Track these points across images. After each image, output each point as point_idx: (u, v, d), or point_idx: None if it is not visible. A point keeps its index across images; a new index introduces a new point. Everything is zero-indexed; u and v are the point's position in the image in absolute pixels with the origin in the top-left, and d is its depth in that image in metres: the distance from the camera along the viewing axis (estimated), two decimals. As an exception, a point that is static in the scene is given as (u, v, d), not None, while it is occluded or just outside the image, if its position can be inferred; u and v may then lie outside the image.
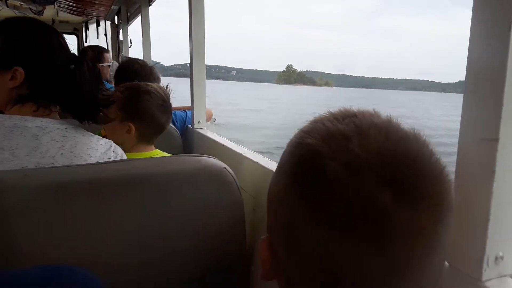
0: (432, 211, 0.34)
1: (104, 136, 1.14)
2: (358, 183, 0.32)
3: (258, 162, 1.04)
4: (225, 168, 0.91)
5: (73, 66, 0.95)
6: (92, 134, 1.00)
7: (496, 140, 0.44)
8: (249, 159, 1.09)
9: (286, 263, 0.39)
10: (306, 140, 0.37)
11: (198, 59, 1.67)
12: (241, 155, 1.14)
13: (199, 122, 1.68)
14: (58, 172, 0.80)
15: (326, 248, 0.34)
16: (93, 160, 0.94)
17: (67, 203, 0.76)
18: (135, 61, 1.75)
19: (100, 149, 0.97)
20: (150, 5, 2.95)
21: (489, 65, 0.46)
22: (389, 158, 0.33)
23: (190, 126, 1.75)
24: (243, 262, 0.95)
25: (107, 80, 2.71)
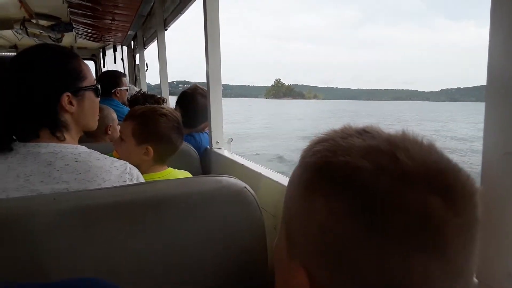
0: (473, 216, 0.36)
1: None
2: (413, 194, 0.34)
3: (278, 180, 1.05)
4: (245, 187, 0.92)
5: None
6: (106, 156, 1.01)
7: (522, 154, 0.44)
8: (267, 177, 1.09)
9: (335, 286, 0.38)
10: (340, 159, 0.37)
11: (214, 81, 1.70)
12: (259, 174, 1.15)
13: (216, 142, 1.70)
14: (83, 196, 0.81)
15: (386, 261, 0.34)
16: (107, 183, 0.94)
17: (92, 227, 0.77)
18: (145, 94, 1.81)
19: (115, 172, 0.97)
20: (166, 29, 3.03)
21: (511, 76, 0.45)
22: (435, 168, 0.36)
23: (208, 147, 1.77)
24: (266, 282, 0.94)
25: (124, 103, 2.78)
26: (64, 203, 0.77)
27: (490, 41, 0.48)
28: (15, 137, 0.95)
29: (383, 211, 0.34)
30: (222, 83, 1.75)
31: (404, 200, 0.34)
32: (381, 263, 0.34)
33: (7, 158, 0.87)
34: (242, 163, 1.33)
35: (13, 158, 0.87)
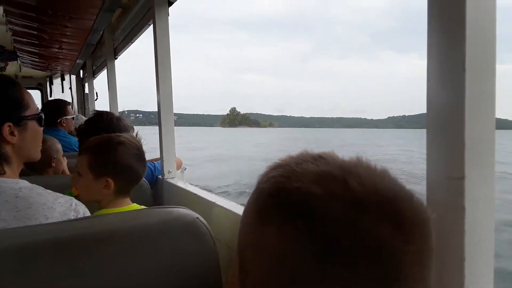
0: (427, 244, 0.36)
1: (76, 196, 1.09)
2: (364, 221, 0.33)
3: (231, 209, 1.03)
4: (197, 218, 0.89)
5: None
6: (50, 192, 0.95)
7: (462, 178, 0.46)
8: (221, 207, 1.07)
9: None
10: (293, 184, 0.37)
11: (166, 110, 1.68)
12: (213, 203, 1.13)
13: (169, 172, 1.65)
14: (19, 234, 0.75)
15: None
16: (51, 221, 0.88)
17: (30, 265, 0.72)
18: (102, 113, 1.73)
19: (59, 208, 0.92)
20: (116, 58, 2.97)
21: (447, 105, 0.47)
22: (386, 195, 0.35)
23: (160, 176, 1.72)
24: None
25: (70, 133, 2.66)
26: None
27: (427, 72, 0.51)
28: None
29: (332, 239, 0.33)
30: (175, 112, 1.73)
31: (354, 228, 0.33)
32: None
33: None
34: (195, 192, 1.30)
35: None
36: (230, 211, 1.03)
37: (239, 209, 1.02)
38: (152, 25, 1.71)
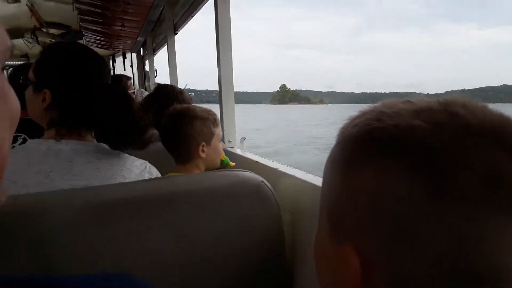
0: None
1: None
2: (478, 150, 0.30)
3: (295, 175, 1.03)
4: (262, 181, 0.90)
5: (103, 92, 0.96)
6: (127, 155, 1.00)
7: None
8: (284, 173, 1.08)
9: (391, 263, 0.33)
10: (388, 122, 0.34)
11: (226, 82, 1.72)
12: (275, 170, 1.13)
13: (229, 141, 1.69)
14: (97, 192, 0.80)
15: (451, 225, 0.29)
16: (128, 181, 0.93)
17: (107, 222, 0.76)
18: (165, 86, 1.79)
19: (135, 170, 0.97)
20: (176, 33, 3.03)
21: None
22: (499, 123, 0.32)
23: (220, 145, 1.76)
24: (284, 278, 0.92)
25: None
26: (79, 199, 0.76)
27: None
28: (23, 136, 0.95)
29: (444, 168, 0.30)
30: (216, 89, 1.77)
31: (466, 156, 0.30)
32: (445, 228, 0.30)
33: (27, 155, 0.87)
34: (256, 159, 1.32)
35: (34, 154, 0.87)
36: (293, 177, 1.03)
37: (302, 175, 1.02)
38: (211, -3, 1.72)
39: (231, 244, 0.86)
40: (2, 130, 0.30)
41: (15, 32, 3.57)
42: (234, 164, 1.38)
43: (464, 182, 0.29)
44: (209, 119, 1.26)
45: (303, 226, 0.96)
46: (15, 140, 1.38)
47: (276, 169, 1.13)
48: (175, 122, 1.25)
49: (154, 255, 0.78)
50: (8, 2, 2.68)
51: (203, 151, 1.24)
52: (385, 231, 0.33)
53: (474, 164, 0.30)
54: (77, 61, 0.96)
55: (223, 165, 1.35)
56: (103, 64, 1.01)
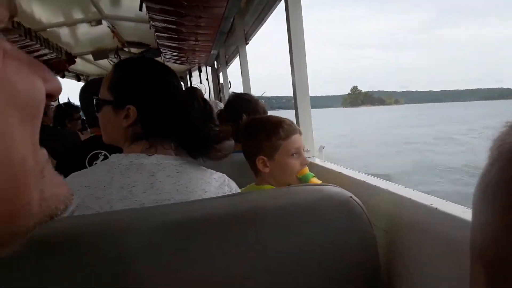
0: None
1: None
2: None
3: (387, 189, 0.89)
4: (351, 197, 0.79)
5: (183, 104, 0.94)
6: (205, 168, 0.97)
7: None
8: (375, 186, 0.95)
9: None
10: None
11: (301, 90, 1.65)
12: (363, 182, 1.00)
13: (306, 150, 1.58)
14: (175, 210, 0.78)
15: None
16: (208, 195, 0.90)
17: (185, 240, 0.73)
18: (241, 95, 1.75)
19: (214, 183, 0.94)
20: (247, 43, 3.03)
21: None
22: None
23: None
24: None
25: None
26: (161, 217, 0.75)
27: None
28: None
29: None
30: (285, 95, 1.68)
31: None
32: None
33: (110, 170, 0.87)
34: (339, 170, 1.19)
35: (116, 169, 0.87)
36: (385, 190, 0.90)
37: (396, 189, 0.88)
38: (282, 1, 1.66)
39: (317, 267, 0.77)
40: (6, 124, 0.23)
41: (101, 54, 3.84)
42: (319, 181, 1.19)
43: None
44: (273, 132, 1.17)
45: (401, 248, 0.83)
46: (96, 157, 1.41)
47: (364, 182, 1.00)
48: (242, 135, 1.22)
49: (233, 273, 0.73)
50: (91, 25, 2.87)
51: (266, 165, 1.16)
52: None
53: None
54: (153, 73, 0.96)
55: (302, 182, 1.22)
56: (174, 75, 1.00)
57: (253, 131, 1.19)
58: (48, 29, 3.01)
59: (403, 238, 0.82)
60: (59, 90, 0.29)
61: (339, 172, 1.18)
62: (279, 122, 1.19)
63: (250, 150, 1.20)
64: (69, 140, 2.58)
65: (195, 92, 0.97)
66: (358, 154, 14.07)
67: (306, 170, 1.18)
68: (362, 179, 1.02)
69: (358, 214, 0.78)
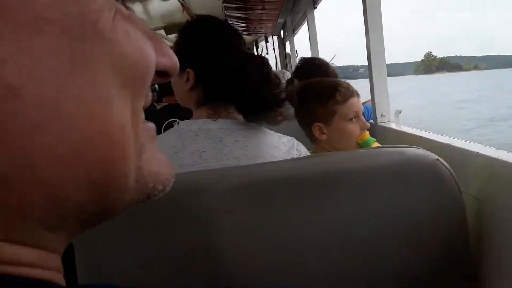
0: None
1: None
2: None
3: (479, 152, 0.81)
4: (438, 160, 0.73)
5: (242, 65, 0.91)
6: (273, 132, 0.95)
7: None
8: (463, 149, 0.86)
9: None
10: None
11: (376, 54, 1.56)
12: (449, 145, 0.92)
13: (382, 115, 1.50)
14: (250, 172, 0.77)
15: None
16: (277, 159, 0.89)
17: (262, 202, 0.72)
18: (311, 59, 1.70)
19: (283, 148, 0.92)
20: (315, 8, 2.92)
21: None
22: None
23: (371, 121, 1.59)
24: (468, 276, 0.74)
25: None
26: (233, 178, 0.74)
27: None
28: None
29: None
30: (353, 64, 1.60)
31: None
32: None
33: (180, 136, 0.89)
34: (420, 134, 1.11)
35: (186, 135, 0.88)
36: (477, 154, 0.82)
37: (489, 151, 0.80)
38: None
39: (398, 234, 0.72)
40: (103, 85, 0.22)
41: (172, 28, 3.94)
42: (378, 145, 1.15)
43: None
44: (329, 96, 1.10)
45: (495, 217, 0.75)
46: (171, 126, 1.47)
47: (450, 145, 0.92)
48: (294, 101, 1.15)
49: (309, 236, 0.72)
50: (162, 0, 2.94)
51: (323, 133, 1.10)
52: None
53: None
54: (212, 35, 0.94)
55: (362, 148, 1.15)
56: (238, 36, 0.98)
57: (307, 97, 1.14)
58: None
59: (499, 207, 0.74)
60: (175, 67, 0.28)
61: (420, 136, 1.10)
62: (335, 85, 1.13)
63: (304, 117, 1.15)
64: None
65: (257, 58, 0.94)
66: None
67: (367, 135, 1.12)
68: (447, 142, 0.94)
69: (445, 178, 0.72)
